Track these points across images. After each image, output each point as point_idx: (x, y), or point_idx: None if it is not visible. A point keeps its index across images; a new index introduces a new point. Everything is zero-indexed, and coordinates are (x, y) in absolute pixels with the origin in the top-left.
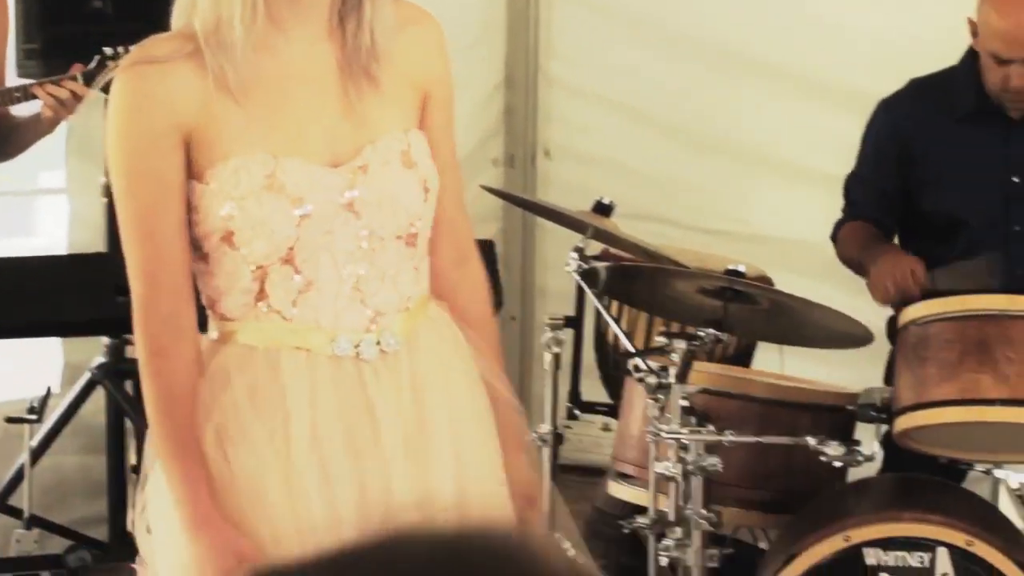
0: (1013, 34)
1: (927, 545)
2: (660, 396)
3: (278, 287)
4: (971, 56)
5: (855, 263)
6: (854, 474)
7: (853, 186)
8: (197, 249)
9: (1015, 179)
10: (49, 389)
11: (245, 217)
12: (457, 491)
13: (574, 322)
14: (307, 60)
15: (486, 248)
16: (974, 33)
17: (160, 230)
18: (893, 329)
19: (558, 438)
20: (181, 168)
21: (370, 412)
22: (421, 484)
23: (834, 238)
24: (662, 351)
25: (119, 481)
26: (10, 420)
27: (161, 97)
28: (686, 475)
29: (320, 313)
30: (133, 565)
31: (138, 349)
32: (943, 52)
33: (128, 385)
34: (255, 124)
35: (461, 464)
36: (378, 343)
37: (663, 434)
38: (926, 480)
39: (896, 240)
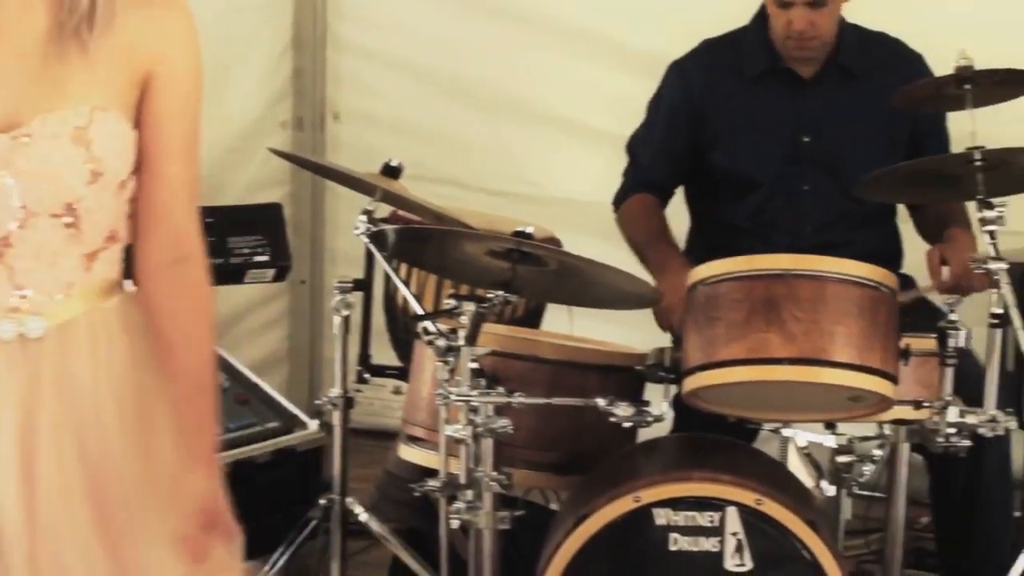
0: None
1: (717, 504)
2: (449, 359)
3: None
4: (761, 16)
5: (638, 252)
6: (644, 435)
7: (639, 147)
8: None
9: (805, 138)
10: None
11: None
12: (25, 506)
13: (363, 285)
14: (16, 17)
15: (273, 211)
16: None
17: None
18: None
19: (348, 402)
20: None
21: None
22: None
23: (617, 205)
24: (451, 313)
25: None
26: None
27: None
28: (476, 437)
29: None
30: None
31: None
32: (733, 13)
33: None
34: None
35: (65, 472)
36: (20, 327)
37: (453, 397)
38: (715, 440)
39: (686, 202)
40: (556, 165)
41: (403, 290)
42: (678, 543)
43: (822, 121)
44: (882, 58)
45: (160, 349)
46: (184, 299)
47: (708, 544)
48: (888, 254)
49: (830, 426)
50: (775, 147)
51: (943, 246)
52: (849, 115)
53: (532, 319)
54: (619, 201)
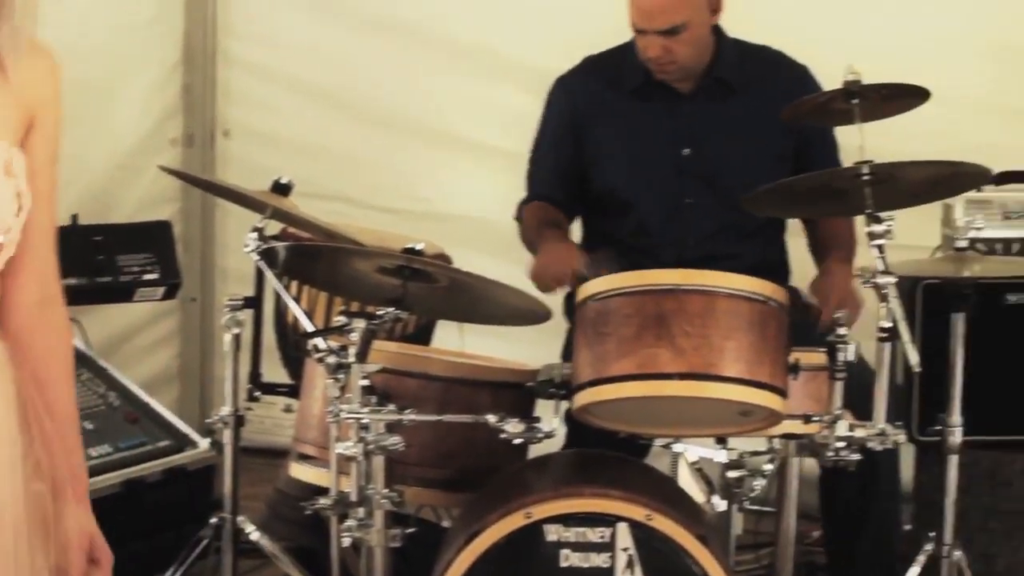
0: (641, 5)
1: (607, 520)
2: (340, 376)
3: None
4: None
5: (532, 248)
6: (536, 451)
7: (533, 164)
8: None
9: (685, 151)
10: None
11: None
12: None
13: (254, 303)
14: None
15: (163, 229)
16: None
17: None
18: (571, 305)
19: (239, 420)
20: None
21: None
22: None
23: (518, 218)
24: (342, 331)
25: None
26: None
27: None
28: (367, 455)
29: None
30: None
31: None
32: (617, 30)
33: None
34: None
35: None
36: None
37: (344, 414)
38: (606, 455)
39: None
40: (447, 182)
41: (294, 307)
42: (569, 559)
43: (701, 134)
44: (764, 71)
45: (32, 387)
46: (54, 338)
47: (599, 560)
48: (775, 267)
49: (721, 441)
50: (656, 161)
51: (822, 283)
52: (729, 128)
53: (423, 336)
54: (519, 213)
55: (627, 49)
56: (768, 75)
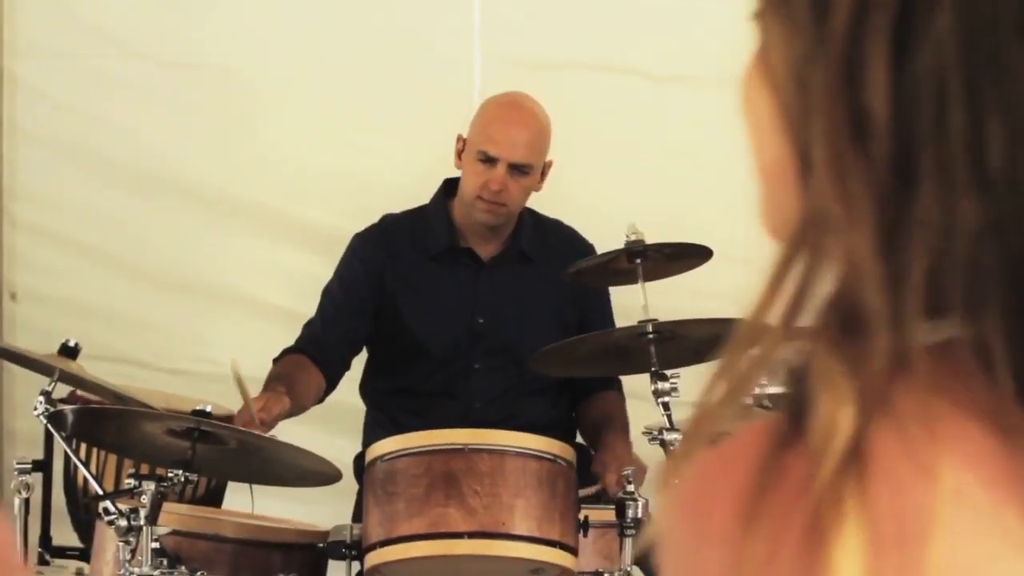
0: (503, 134)
1: None
2: (131, 538)
3: None
4: (443, 194)
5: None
6: None
7: (320, 311)
8: None
9: (480, 320)
10: None
11: None
12: None
13: (43, 466)
14: None
15: None
16: (460, 152)
17: None
18: (360, 466)
19: None
20: None
21: None
22: None
23: (275, 361)
24: (132, 493)
25: None
26: None
27: None
28: None
29: None
30: None
31: None
32: (411, 189)
33: None
34: None
35: None
36: None
37: None
38: None
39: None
40: (235, 342)
41: (83, 470)
42: None
43: (497, 304)
44: (556, 245)
45: None
46: None
47: None
48: (562, 426)
49: None
50: (450, 326)
51: (603, 456)
52: (524, 298)
53: (214, 498)
54: (277, 359)
55: (427, 213)
56: (560, 249)
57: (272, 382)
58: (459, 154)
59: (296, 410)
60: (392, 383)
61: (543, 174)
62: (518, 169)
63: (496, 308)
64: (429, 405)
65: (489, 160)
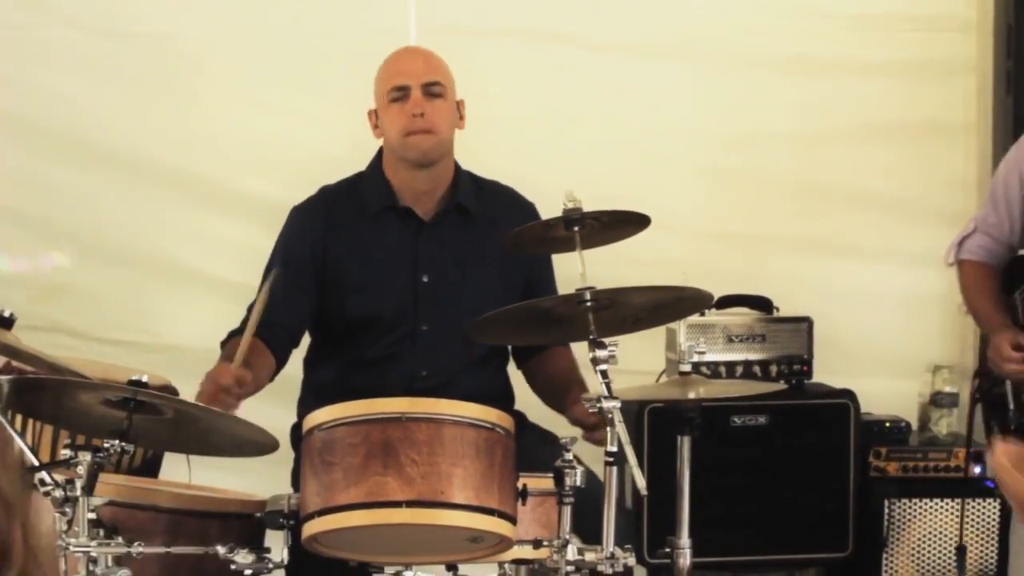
0: (403, 64)
1: None
2: (67, 509)
3: None
4: (378, 158)
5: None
6: None
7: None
8: None
9: (424, 278)
10: None
11: None
12: None
13: None
14: None
15: None
16: (375, 122)
17: None
18: (297, 436)
19: None
20: None
21: None
22: None
23: (223, 344)
24: (68, 464)
25: None
26: None
27: None
28: None
29: None
30: None
31: None
32: (349, 157)
33: None
34: None
35: None
36: None
37: (72, 547)
38: None
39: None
40: (172, 313)
41: (19, 441)
42: None
43: (440, 262)
44: (497, 204)
45: None
46: None
47: None
48: (501, 394)
49: (451, 568)
50: (395, 287)
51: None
52: (466, 256)
53: (150, 468)
54: (224, 341)
55: (365, 177)
56: (501, 208)
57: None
58: (375, 125)
59: (253, 391)
60: (339, 351)
61: (460, 111)
62: (430, 91)
63: (439, 265)
64: (376, 372)
65: (401, 91)
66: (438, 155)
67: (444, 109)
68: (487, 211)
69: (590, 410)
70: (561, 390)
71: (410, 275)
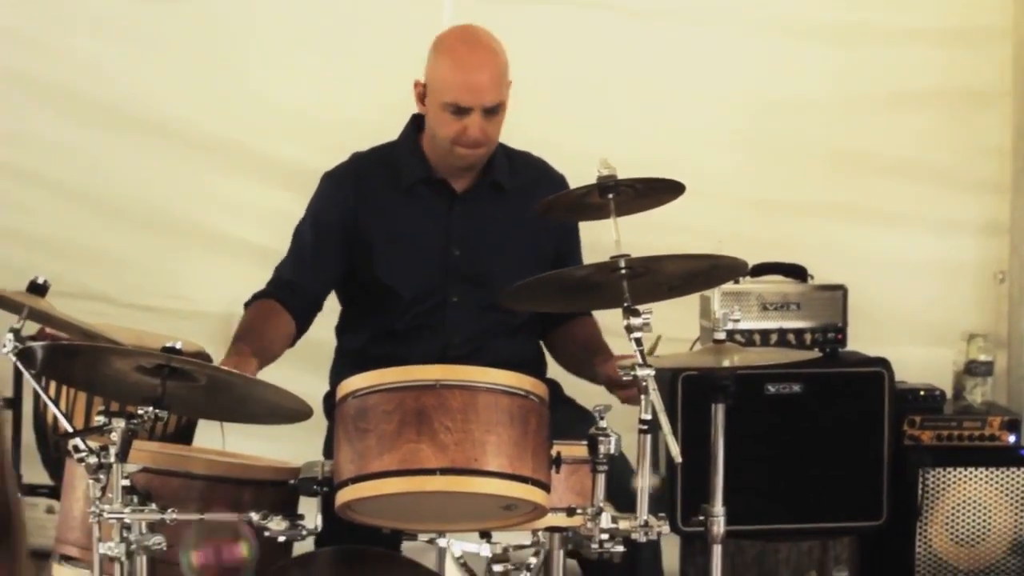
0: (470, 82)
1: None
2: (101, 476)
3: None
4: (412, 128)
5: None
6: (300, 548)
7: (291, 252)
8: None
9: (456, 252)
10: None
11: None
12: None
13: (12, 403)
14: None
15: None
16: (421, 96)
17: None
18: (331, 403)
19: None
20: None
21: None
22: None
23: (247, 305)
24: (101, 430)
25: None
26: None
27: None
28: (130, 555)
29: None
30: None
31: None
32: (375, 128)
33: None
34: None
35: None
36: None
37: (106, 514)
38: (369, 551)
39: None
40: (206, 279)
41: (53, 408)
42: None
43: (473, 236)
44: (529, 176)
45: None
46: None
47: None
48: (534, 362)
49: (485, 535)
50: (426, 259)
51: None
52: (499, 230)
53: (184, 435)
54: (248, 303)
55: (398, 147)
56: (532, 180)
57: (240, 340)
58: (420, 98)
59: (265, 364)
60: (369, 321)
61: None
62: (491, 111)
63: (471, 239)
64: (406, 341)
65: (461, 111)
66: (481, 161)
67: (499, 121)
68: (519, 184)
69: (624, 378)
70: (590, 352)
71: (443, 248)
